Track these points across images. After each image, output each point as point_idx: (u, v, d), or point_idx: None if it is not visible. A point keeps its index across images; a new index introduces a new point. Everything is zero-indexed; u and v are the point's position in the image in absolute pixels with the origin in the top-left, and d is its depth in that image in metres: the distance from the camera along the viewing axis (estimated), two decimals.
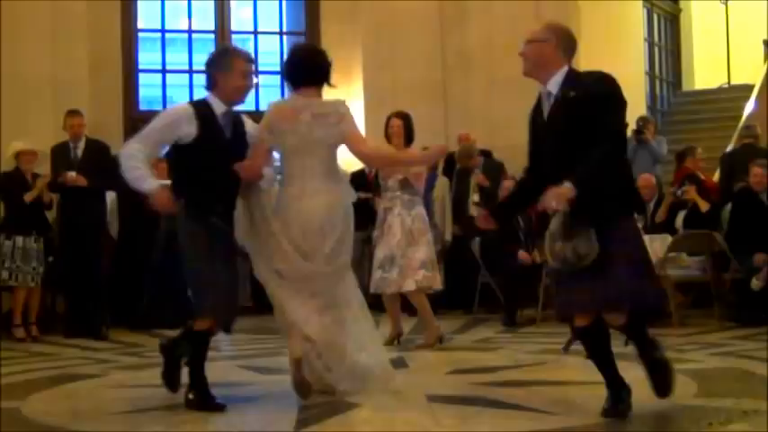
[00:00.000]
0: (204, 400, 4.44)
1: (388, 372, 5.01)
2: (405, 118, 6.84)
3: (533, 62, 4.05)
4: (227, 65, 4.60)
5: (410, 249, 6.59)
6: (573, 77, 3.99)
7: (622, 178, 4.00)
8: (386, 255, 6.62)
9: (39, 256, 8.07)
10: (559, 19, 10.65)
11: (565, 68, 4.01)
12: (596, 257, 3.80)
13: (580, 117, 3.86)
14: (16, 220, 8.06)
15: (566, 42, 4.04)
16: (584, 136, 3.83)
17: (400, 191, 6.65)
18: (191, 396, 4.46)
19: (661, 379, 4.02)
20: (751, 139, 9.56)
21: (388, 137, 6.87)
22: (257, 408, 4.63)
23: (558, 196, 3.78)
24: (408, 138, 6.78)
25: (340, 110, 4.80)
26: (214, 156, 4.49)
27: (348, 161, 6.17)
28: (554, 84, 3.98)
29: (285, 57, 4.88)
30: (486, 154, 9.98)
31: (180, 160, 4.60)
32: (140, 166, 4.51)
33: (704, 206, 8.40)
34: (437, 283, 6.82)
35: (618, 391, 3.99)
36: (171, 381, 4.71)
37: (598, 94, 3.88)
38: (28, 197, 7.99)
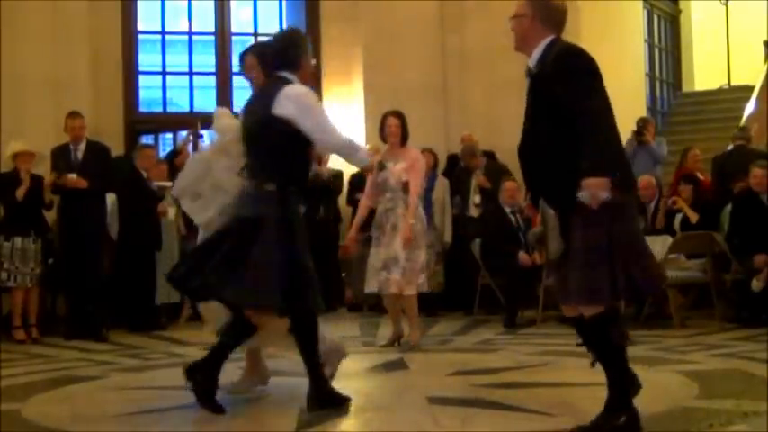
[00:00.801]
0: (208, 398, 4.36)
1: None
2: (401, 117, 6.91)
3: (519, 37, 3.88)
4: (307, 48, 4.59)
5: (414, 253, 6.64)
6: (547, 52, 3.77)
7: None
8: (389, 256, 6.62)
9: (36, 256, 8.06)
10: None
11: (545, 42, 3.80)
12: (561, 251, 3.67)
13: (540, 93, 3.73)
14: (14, 220, 8.05)
15: (544, 13, 3.81)
16: (544, 113, 3.69)
17: (402, 192, 6.66)
18: (199, 378, 4.34)
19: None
20: (743, 140, 9.58)
21: (384, 136, 6.93)
22: (258, 409, 4.63)
23: (595, 190, 3.55)
24: (404, 137, 6.86)
25: None
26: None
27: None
28: (533, 59, 3.81)
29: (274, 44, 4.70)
30: (489, 155, 9.97)
31: (291, 147, 4.41)
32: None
33: (693, 217, 8.37)
34: (428, 285, 7.00)
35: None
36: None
37: (555, 70, 3.68)
38: (19, 193, 7.98)
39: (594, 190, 3.49)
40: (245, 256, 4.23)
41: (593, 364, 3.72)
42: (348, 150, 4.54)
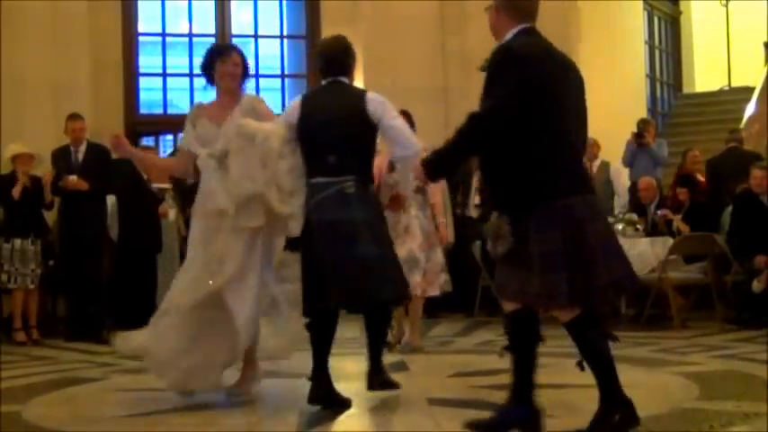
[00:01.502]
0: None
1: None
2: (408, 117, 6.89)
3: (491, 28, 3.85)
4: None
5: (432, 253, 6.65)
6: None
7: (523, 165, 3.56)
8: (402, 257, 6.58)
9: (36, 258, 8.06)
10: (560, 22, 10.78)
11: (512, 33, 3.73)
12: (510, 249, 3.58)
13: (484, 90, 3.71)
14: (14, 222, 8.05)
15: (509, 3, 3.77)
16: None
17: (414, 192, 6.65)
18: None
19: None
20: (735, 142, 9.60)
21: None
22: (259, 410, 4.63)
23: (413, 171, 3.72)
24: None
25: None
26: None
27: None
28: None
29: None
30: None
31: (374, 148, 4.69)
32: None
33: (685, 229, 8.36)
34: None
35: (519, 404, 3.76)
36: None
37: (486, 68, 3.68)
38: (15, 192, 7.97)
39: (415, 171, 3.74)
40: (383, 256, 4.44)
41: (580, 366, 3.67)
42: (415, 159, 4.52)
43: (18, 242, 7.99)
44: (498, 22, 3.80)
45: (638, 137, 9.91)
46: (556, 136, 3.59)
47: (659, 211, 8.62)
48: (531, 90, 3.53)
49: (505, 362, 6.22)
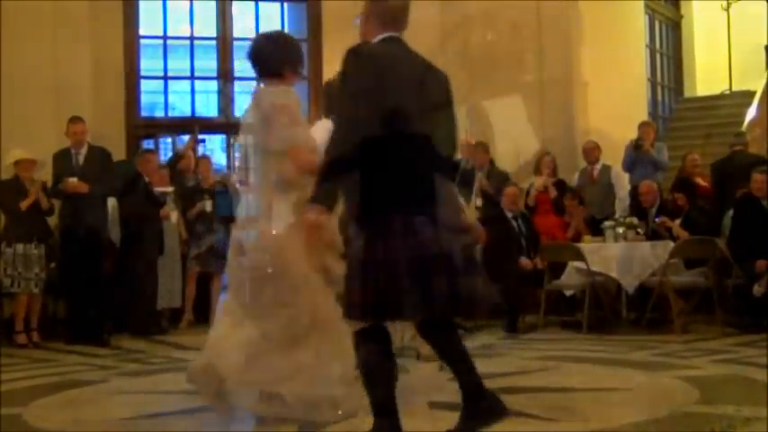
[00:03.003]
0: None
1: None
2: None
3: (360, 34, 3.70)
4: None
5: None
6: None
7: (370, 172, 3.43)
8: None
9: (40, 262, 8.07)
10: (560, 24, 10.78)
11: (377, 39, 3.61)
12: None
13: None
14: (16, 227, 8.05)
15: (377, 11, 3.63)
16: None
17: None
18: None
19: None
20: (740, 146, 9.60)
21: None
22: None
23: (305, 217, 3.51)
24: None
25: None
26: None
27: None
28: None
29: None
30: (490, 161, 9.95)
31: None
32: None
33: (683, 235, 8.34)
34: None
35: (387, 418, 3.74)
36: None
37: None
38: (24, 204, 8.00)
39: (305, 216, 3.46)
40: None
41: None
42: None
43: (20, 247, 7.99)
44: (366, 28, 3.67)
45: (636, 148, 9.83)
46: (388, 147, 3.43)
47: (657, 219, 8.61)
48: (366, 96, 3.40)
49: (506, 366, 6.23)
